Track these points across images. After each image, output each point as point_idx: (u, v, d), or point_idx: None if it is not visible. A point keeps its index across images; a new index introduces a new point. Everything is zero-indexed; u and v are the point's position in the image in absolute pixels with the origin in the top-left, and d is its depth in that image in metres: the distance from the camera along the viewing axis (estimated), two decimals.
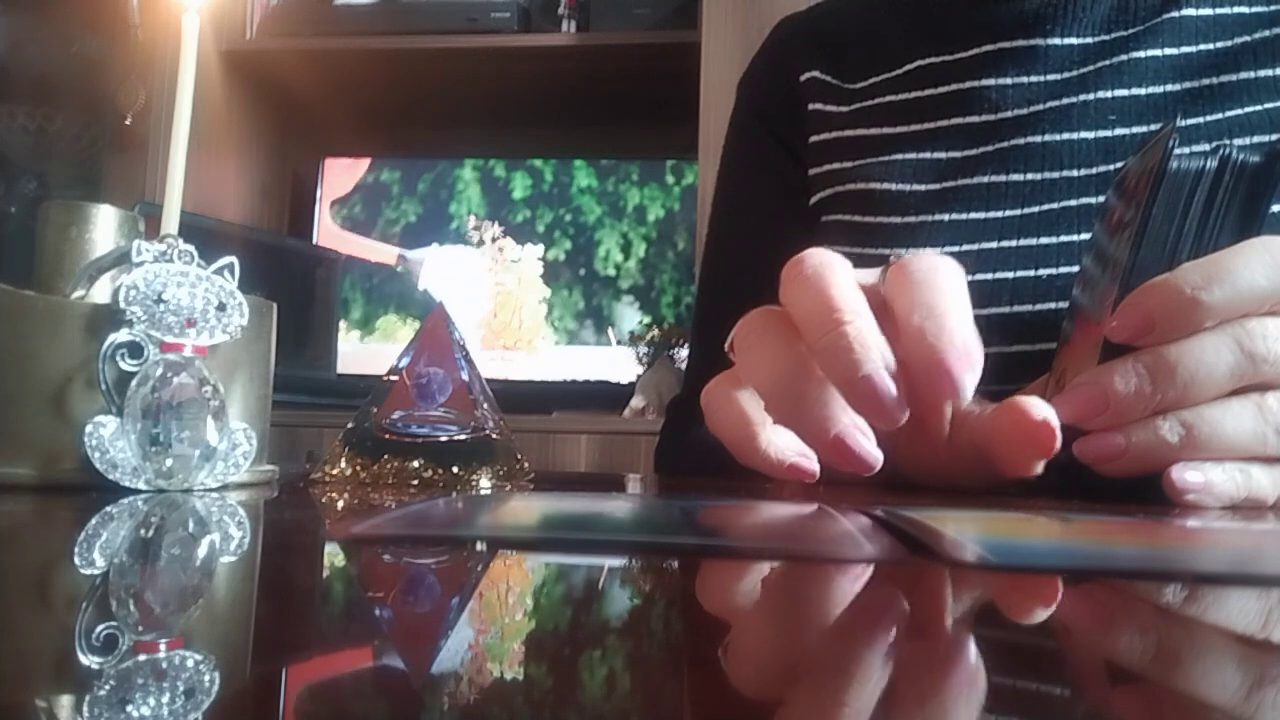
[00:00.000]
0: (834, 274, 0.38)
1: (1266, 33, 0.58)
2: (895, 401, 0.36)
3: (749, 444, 0.41)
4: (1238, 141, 0.55)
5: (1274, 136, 0.55)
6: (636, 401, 1.70)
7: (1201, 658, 0.15)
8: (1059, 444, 0.36)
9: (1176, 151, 0.37)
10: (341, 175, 1.99)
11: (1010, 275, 0.57)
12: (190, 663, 0.13)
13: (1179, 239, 0.38)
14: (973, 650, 0.15)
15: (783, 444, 0.40)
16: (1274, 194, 0.38)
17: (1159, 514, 0.34)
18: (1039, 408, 0.36)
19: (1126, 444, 0.37)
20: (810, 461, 0.40)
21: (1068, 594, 0.19)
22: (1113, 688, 0.14)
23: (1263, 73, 0.57)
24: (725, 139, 0.79)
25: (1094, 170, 0.58)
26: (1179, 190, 0.38)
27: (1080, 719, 0.13)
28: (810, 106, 0.70)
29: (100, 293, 0.39)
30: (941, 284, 0.37)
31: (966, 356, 0.35)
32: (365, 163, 1.99)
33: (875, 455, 0.37)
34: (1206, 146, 0.38)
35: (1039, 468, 0.37)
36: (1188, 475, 0.36)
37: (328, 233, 1.95)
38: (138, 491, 0.35)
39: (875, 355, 0.36)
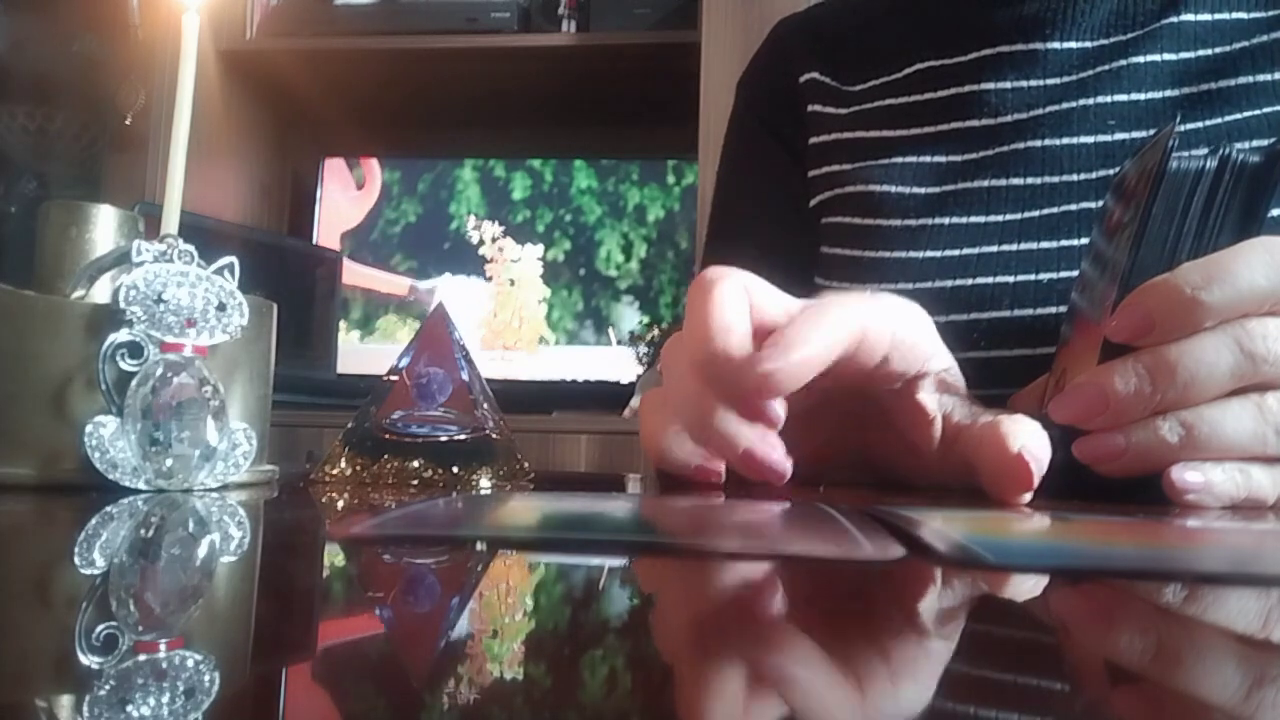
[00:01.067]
0: (718, 292, 0.39)
1: (1265, 37, 0.58)
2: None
3: (657, 451, 0.43)
4: (1237, 145, 0.55)
5: (1272, 140, 0.55)
6: (636, 401, 1.70)
7: (1201, 658, 0.15)
8: (1038, 475, 0.36)
9: (1176, 151, 0.37)
10: (350, 208, 1.98)
11: (1010, 279, 0.57)
12: (190, 663, 0.13)
13: (1179, 239, 0.38)
14: (972, 650, 0.16)
15: (689, 449, 0.41)
16: (1274, 194, 0.38)
17: (1159, 514, 0.34)
18: (1016, 437, 0.36)
19: (1126, 444, 0.37)
20: (712, 463, 0.41)
21: (1067, 594, 0.19)
22: (1112, 687, 0.14)
23: (1261, 77, 0.57)
24: (724, 139, 0.78)
25: (1093, 175, 0.58)
26: (1179, 190, 0.38)
27: (1079, 718, 0.13)
28: (810, 108, 0.70)
29: (100, 293, 0.39)
30: (810, 318, 0.38)
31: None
32: (375, 193, 1.98)
33: (784, 466, 0.38)
34: (1205, 151, 0.38)
35: (1026, 497, 0.36)
36: (1187, 475, 0.36)
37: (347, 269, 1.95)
38: (138, 491, 0.35)
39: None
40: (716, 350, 0.37)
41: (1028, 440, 0.36)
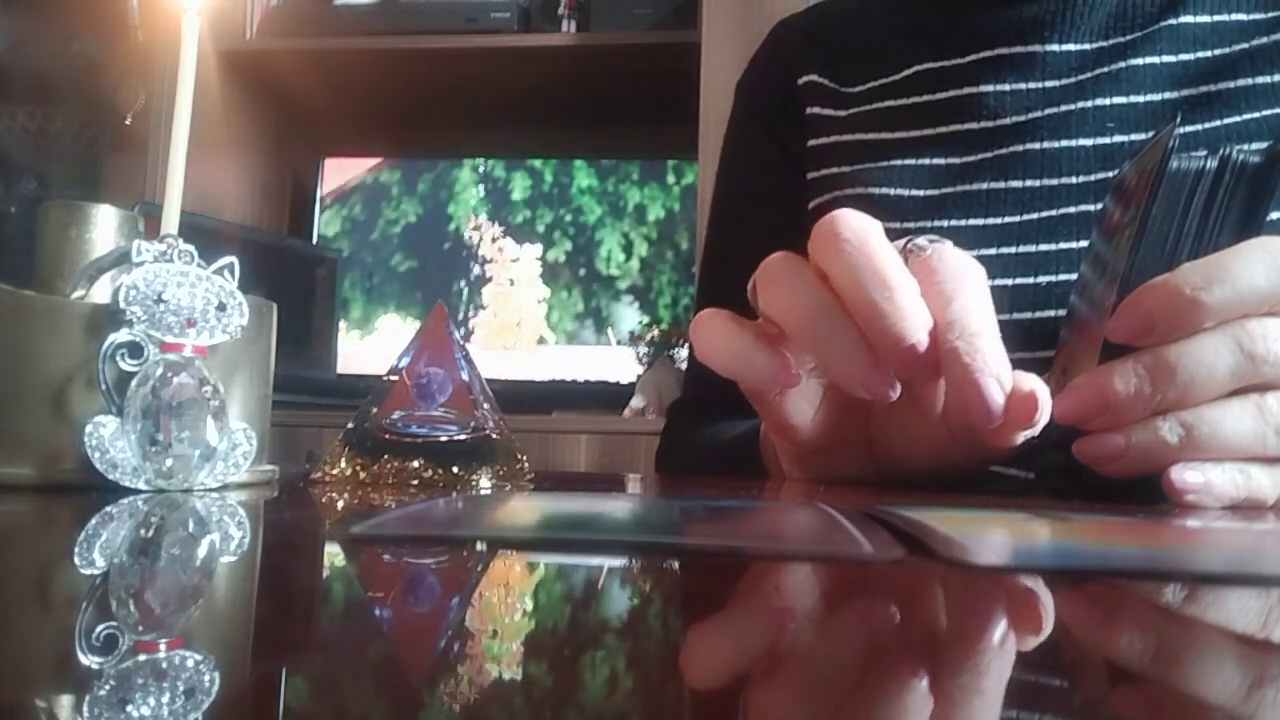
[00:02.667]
0: (877, 241, 0.39)
1: (1265, 39, 0.58)
2: (930, 372, 0.37)
3: (732, 354, 0.41)
4: (1237, 146, 0.55)
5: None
6: (636, 401, 1.70)
7: (1201, 657, 0.15)
8: (1042, 416, 0.37)
9: (1176, 152, 0.37)
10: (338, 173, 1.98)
11: (1009, 282, 0.57)
12: (190, 663, 0.13)
13: (1179, 239, 0.38)
14: (972, 650, 0.15)
15: (770, 357, 0.40)
16: (1274, 194, 0.38)
17: (1159, 514, 0.34)
18: (1026, 380, 0.37)
19: (1126, 444, 0.37)
20: (792, 370, 0.40)
21: (1068, 594, 0.19)
22: (1112, 687, 0.14)
23: (1261, 80, 0.57)
24: (723, 141, 0.78)
25: (1092, 178, 0.58)
26: (1179, 190, 0.38)
27: (1080, 718, 0.13)
28: (809, 110, 0.70)
29: (100, 293, 0.39)
30: (970, 302, 0.38)
31: (1000, 384, 0.37)
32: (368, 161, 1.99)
33: (895, 387, 0.38)
34: (1204, 153, 0.38)
35: (1019, 439, 0.38)
36: (1187, 476, 0.36)
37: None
38: (138, 491, 0.35)
39: (922, 327, 0.37)
40: (899, 301, 0.37)
41: (1035, 383, 0.37)
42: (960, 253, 0.41)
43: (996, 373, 0.37)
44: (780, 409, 0.44)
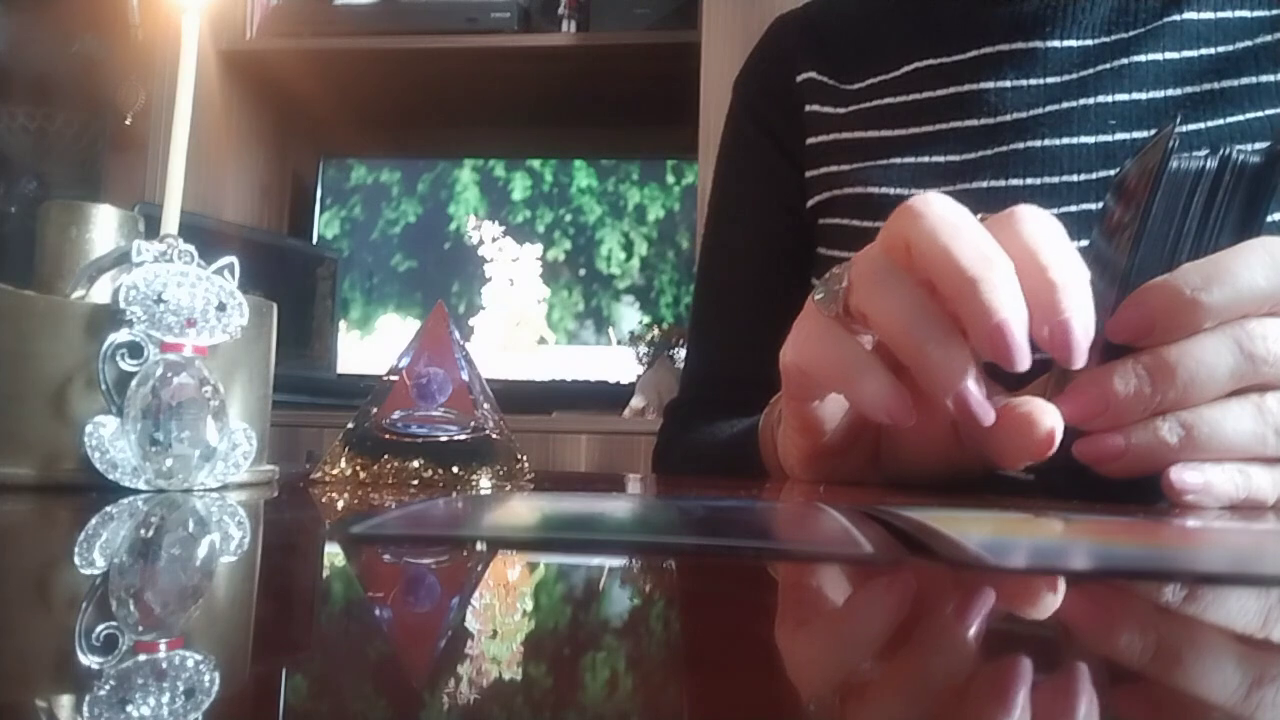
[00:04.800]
0: (969, 220, 0.39)
1: (1268, 37, 0.58)
2: (985, 416, 0.36)
3: (845, 379, 0.40)
4: (1237, 146, 0.55)
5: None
6: (636, 401, 1.70)
7: (1201, 657, 0.15)
8: (1053, 451, 0.36)
9: (1176, 152, 0.37)
10: None
11: None
12: (190, 663, 0.13)
13: (1179, 239, 0.38)
14: (972, 650, 0.16)
15: (885, 383, 0.39)
16: (1274, 195, 0.38)
17: (1159, 514, 0.34)
18: (1049, 417, 0.36)
19: (1126, 444, 0.37)
20: (907, 405, 0.39)
21: (1068, 594, 0.19)
22: (1113, 687, 0.14)
23: (1264, 78, 0.57)
24: (721, 139, 0.78)
25: (1094, 175, 0.58)
26: (1179, 190, 0.38)
27: (1080, 719, 0.13)
28: (807, 108, 0.69)
29: (100, 293, 0.39)
30: (1055, 253, 0.37)
31: (1088, 331, 0.36)
32: None
33: (989, 414, 0.37)
34: (1206, 152, 0.38)
35: (1024, 463, 0.38)
36: (1187, 476, 0.36)
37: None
38: (138, 491, 0.35)
39: (1015, 304, 0.36)
40: (997, 278, 0.36)
41: (1056, 421, 0.36)
42: (1026, 206, 0.40)
43: (1085, 322, 0.36)
44: (817, 410, 0.44)
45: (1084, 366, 0.36)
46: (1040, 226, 0.38)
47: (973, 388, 0.37)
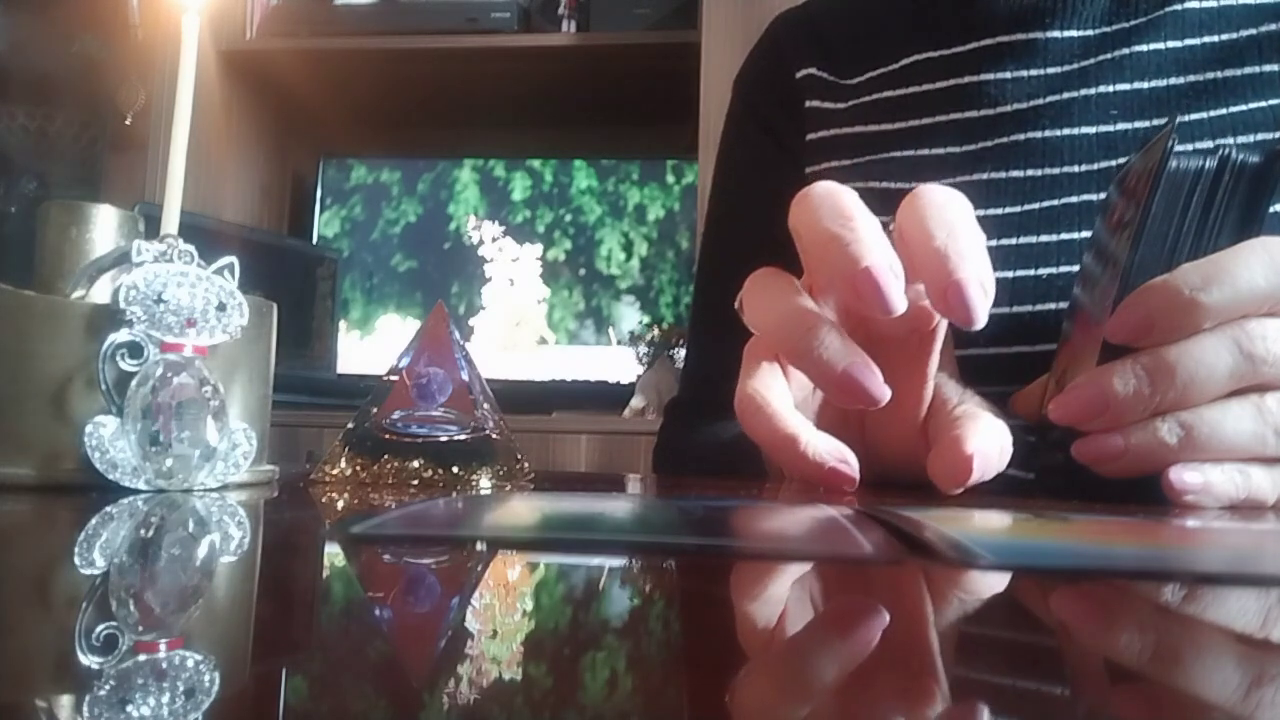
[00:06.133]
0: (844, 193, 0.40)
1: (1272, 26, 0.57)
2: (896, 293, 0.37)
3: (790, 448, 0.40)
4: (1240, 139, 0.54)
5: (1277, 134, 0.54)
6: (636, 401, 1.70)
7: (1201, 657, 0.15)
8: (977, 477, 0.38)
9: (1177, 150, 0.37)
10: None
11: (1010, 275, 0.56)
12: (190, 663, 0.13)
13: (1178, 239, 0.38)
14: (972, 651, 0.16)
15: (824, 447, 0.40)
16: (1273, 195, 0.38)
17: (1159, 514, 0.34)
18: (975, 437, 0.38)
19: (1125, 445, 0.37)
20: (849, 468, 0.40)
21: (1068, 594, 0.19)
22: (1112, 687, 0.14)
23: (1268, 68, 0.56)
24: (721, 137, 0.78)
25: (1095, 166, 0.57)
26: (1178, 190, 0.38)
27: (1080, 719, 0.13)
28: (808, 104, 0.69)
29: (100, 293, 0.39)
30: (955, 216, 0.39)
31: (982, 285, 0.37)
32: None
33: (883, 390, 0.38)
34: (1209, 143, 0.38)
35: (954, 490, 0.38)
36: (1186, 476, 0.36)
37: None
38: (138, 491, 0.35)
39: (880, 252, 0.37)
40: (856, 230, 0.38)
41: (983, 444, 0.38)
42: (938, 186, 0.41)
43: (980, 278, 0.37)
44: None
45: (980, 328, 0.37)
46: (931, 199, 0.40)
47: (859, 367, 0.38)
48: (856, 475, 0.40)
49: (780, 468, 0.43)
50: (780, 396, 0.41)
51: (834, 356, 0.38)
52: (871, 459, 0.45)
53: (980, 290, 0.37)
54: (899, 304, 0.37)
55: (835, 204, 0.40)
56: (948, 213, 0.39)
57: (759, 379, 0.42)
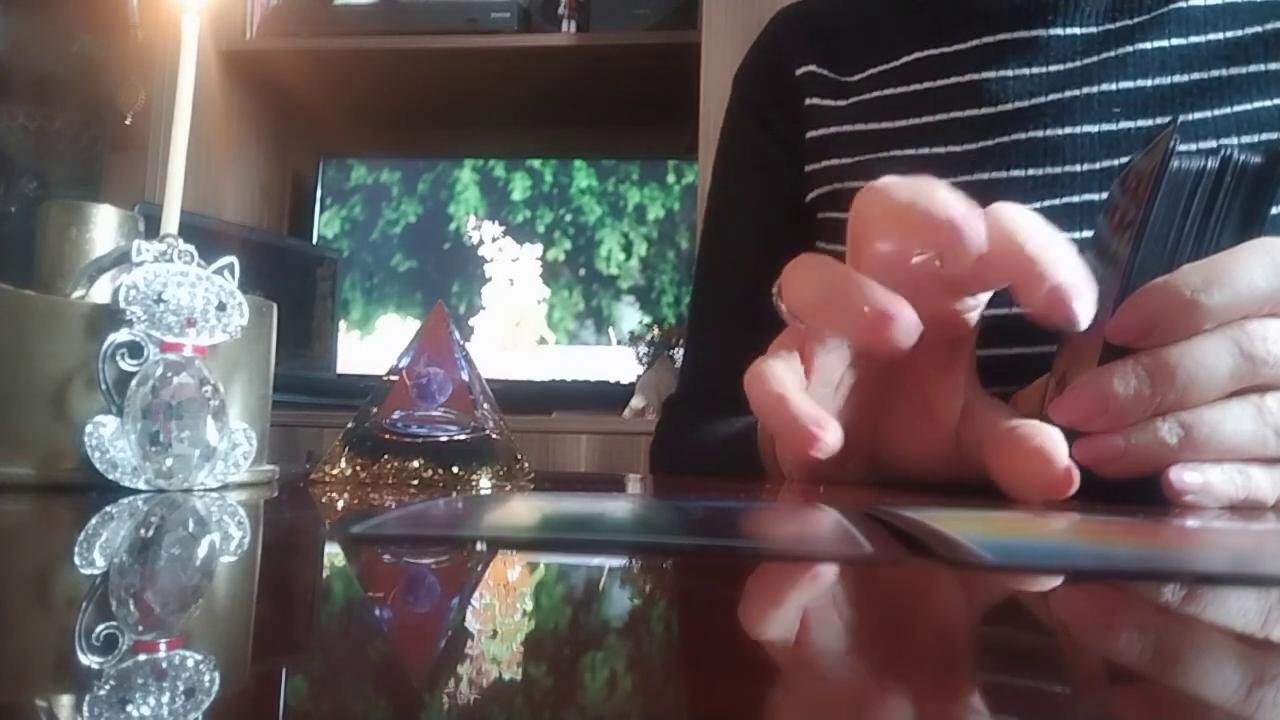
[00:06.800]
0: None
1: (1278, 23, 0.56)
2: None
3: (778, 406, 0.39)
4: (1245, 138, 0.54)
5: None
6: (636, 401, 1.70)
7: (1201, 657, 0.15)
8: (1075, 488, 0.36)
9: (1179, 150, 0.37)
10: None
11: None
12: (190, 663, 0.13)
13: (1179, 240, 0.38)
14: (972, 651, 0.16)
15: (808, 409, 0.39)
16: (1275, 196, 0.38)
17: (1159, 514, 0.34)
18: (1060, 452, 0.36)
19: (1126, 445, 0.37)
20: (824, 433, 0.38)
21: (1068, 594, 0.19)
22: (1112, 687, 0.14)
23: (1273, 66, 0.55)
24: (720, 134, 0.78)
25: (1097, 165, 0.57)
26: (1179, 191, 0.38)
27: (1079, 719, 0.13)
28: (808, 102, 0.69)
29: (100, 293, 0.39)
30: (1035, 231, 0.38)
31: (1081, 291, 0.36)
32: None
33: (912, 329, 0.37)
34: (1213, 142, 0.38)
35: (1041, 499, 0.37)
36: (1186, 476, 0.36)
37: None
38: (138, 491, 0.35)
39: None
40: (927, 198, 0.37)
41: (1066, 454, 0.36)
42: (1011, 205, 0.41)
43: (1077, 282, 0.36)
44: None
45: (1087, 331, 0.36)
46: (1016, 212, 0.39)
47: (891, 305, 0.37)
48: (830, 443, 0.38)
49: (772, 439, 0.42)
50: (785, 370, 0.41)
51: (874, 295, 0.37)
52: (894, 462, 0.45)
53: (1078, 291, 0.36)
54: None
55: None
56: (1035, 224, 0.38)
57: (773, 358, 0.42)
